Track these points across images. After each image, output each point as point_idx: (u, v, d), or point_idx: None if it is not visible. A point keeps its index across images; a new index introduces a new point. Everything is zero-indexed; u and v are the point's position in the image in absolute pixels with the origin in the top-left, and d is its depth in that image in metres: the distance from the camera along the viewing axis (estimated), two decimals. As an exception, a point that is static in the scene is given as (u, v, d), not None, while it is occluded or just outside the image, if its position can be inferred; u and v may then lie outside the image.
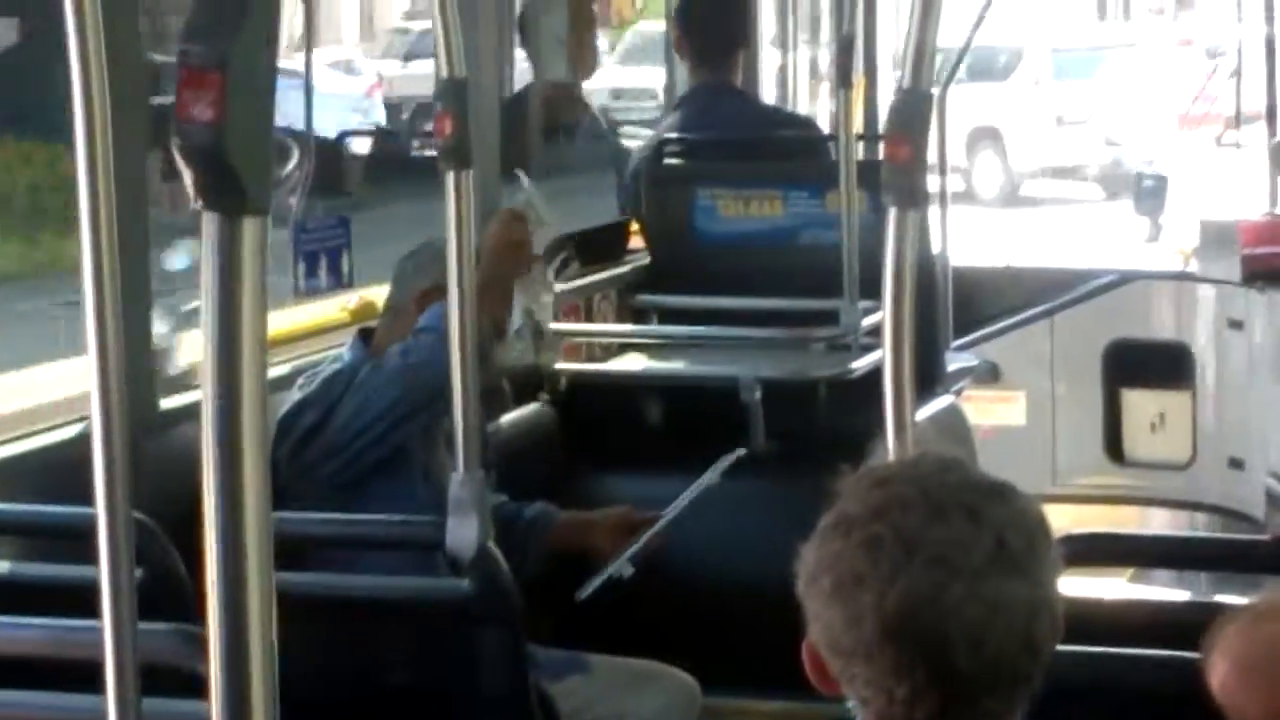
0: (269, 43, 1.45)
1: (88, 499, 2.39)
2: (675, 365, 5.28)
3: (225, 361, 1.45)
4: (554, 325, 5.14)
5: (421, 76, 15.95)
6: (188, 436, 3.83)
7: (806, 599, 1.99)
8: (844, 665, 1.95)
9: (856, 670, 1.94)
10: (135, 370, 3.70)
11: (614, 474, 4.83)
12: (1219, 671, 2.32)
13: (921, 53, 2.71)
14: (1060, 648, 2.03)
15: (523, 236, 4.14)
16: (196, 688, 2.53)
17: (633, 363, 5.45)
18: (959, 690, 1.92)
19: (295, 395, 4.00)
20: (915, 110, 2.71)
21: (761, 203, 5.98)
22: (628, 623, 4.33)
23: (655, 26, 15.98)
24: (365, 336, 4.14)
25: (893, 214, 2.75)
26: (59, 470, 3.61)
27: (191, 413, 3.90)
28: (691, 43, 6.33)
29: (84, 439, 2.61)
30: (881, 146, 2.94)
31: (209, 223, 1.46)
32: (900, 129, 2.72)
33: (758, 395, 5.12)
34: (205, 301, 1.46)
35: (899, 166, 2.72)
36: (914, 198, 2.75)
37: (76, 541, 2.76)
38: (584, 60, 6.36)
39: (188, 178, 1.45)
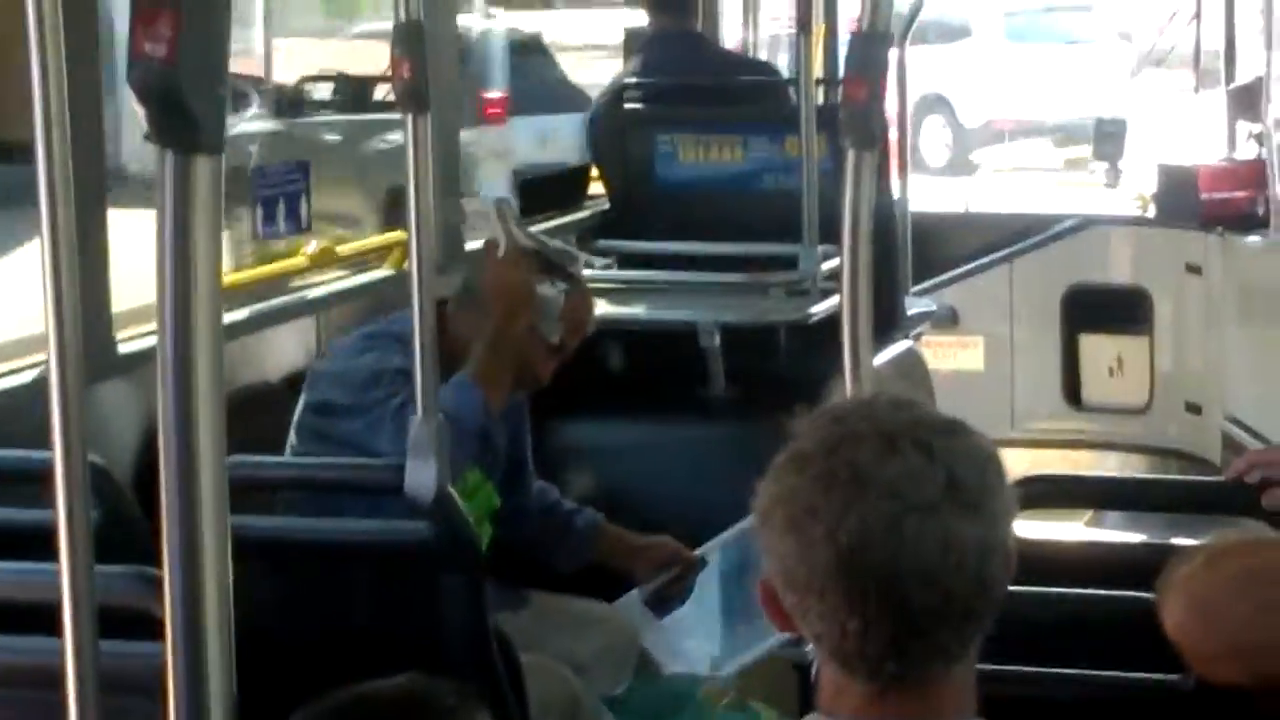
0: (223, -21, 1.45)
1: (44, 442, 2.39)
2: (635, 310, 5.28)
3: (180, 300, 1.45)
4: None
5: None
6: (146, 380, 3.82)
7: (761, 535, 1.99)
8: (798, 600, 1.96)
9: (810, 604, 1.94)
10: (93, 312, 3.69)
11: (574, 419, 4.83)
12: (1173, 611, 2.34)
13: None
14: (1018, 588, 2.04)
15: (520, 280, 3.99)
16: (154, 630, 2.55)
17: (592, 307, 5.45)
18: (911, 624, 1.92)
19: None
20: (873, 52, 2.72)
21: (721, 148, 5.98)
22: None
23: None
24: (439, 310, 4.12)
25: (850, 155, 2.76)
26: (14, 413, 3.60)
27: (150, 356, 3.89)
28: None
29: (40, 382, 2.61)
30: (840, 89, 2.95)
31: (163, 160, 1.45)
32: (858, 70, 2.73)
33: (717, 340, 5.13)
34: (158, 240, 1.46)
35: (856, 107, 2.72)
36: (871, 139, 2.76)
37: (33, 485, 2.76)
38: None
39: (142, 114, 1.44)
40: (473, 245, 4.59)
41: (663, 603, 4.39)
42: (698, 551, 4.40)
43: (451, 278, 4.16)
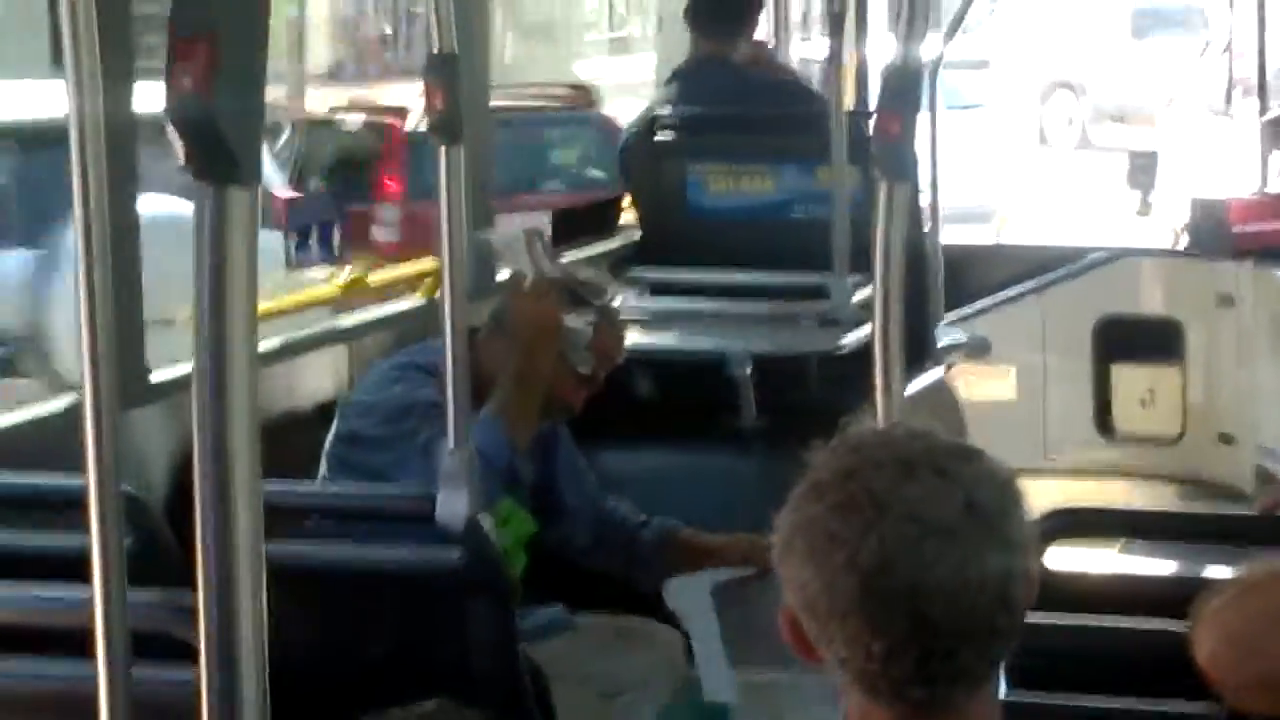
0: (261, 12, 1.45)
1: (78, 469, 2.41)
2: (665, 339, 5.28)
3: (216, 331, 1.46)
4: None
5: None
6: (178, 409, 3.84)
7: (782, 566, 2.00)
8: (821, 628, 1.96)
9: (833, 631, 1.95)
10: (125, 343, 3.71)
11: (604, 447, 4.83)
12: (1205, 642, 2.34)
13: (913, 28, 2.71)
14: (1049, 618, 2.05)
15: (546, 313, 3.96)
16: (186, 655, 2.56)
17: (623, 337, 5.45)
18: (936, 644, 1.93)
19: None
20: (906, 85, 2.72)
21: (753, 178, 5.99)
22: (616, 582, 4.36)
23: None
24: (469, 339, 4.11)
25: (883, 188, 2.76)
26: (49, 441, 3.61)
27: (181, 385, 3.91)
28: (701, 15, 6.31)
29: (74, 410, 2.63)
30: (872, 121, 2.95)
31: (199, 193, 1.46)
32: (891, 104, 2.74)
33: (748, 370, 5.13)
34: (196, 271, 1.47)
35: (889, 141, 2.73)
36: (904, 172, 2.77)
37: (67, 512, 2.78)
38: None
39: (178, 147, 1.45)
40: (503, 276, 4.58)
41: (732, 597, 4.35)
42: None
43: (482, 306, 4.18)
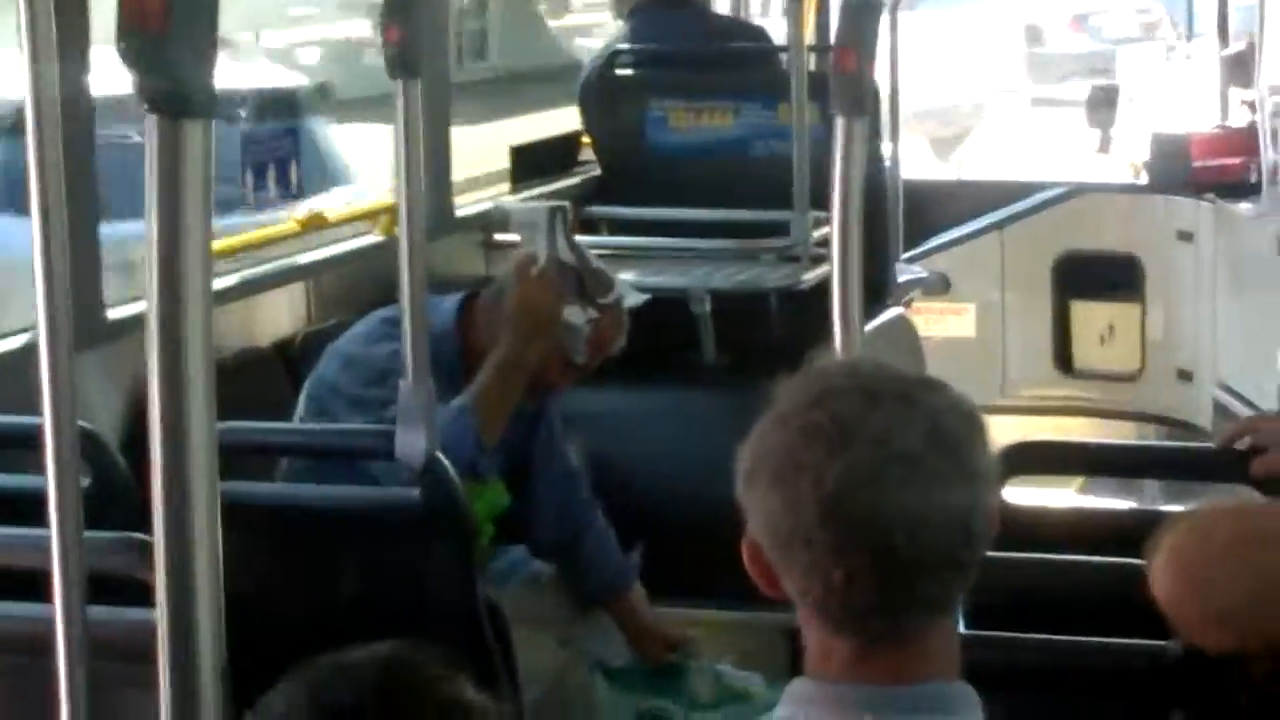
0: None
1: (34, 408, 2.39)
2: (626, 277, 5.27)
3: (170, 265, 1.45)
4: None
5: None
6: (135, 348, 3.81)
7: (746, 495, 1.99)
8: (782, 554, 1.96)
9: (795, 557, 1.94)
10: (82, 280, 3.69)
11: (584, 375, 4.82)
12: (1162, 578, 2.34)
13: None
14: (1007, 554, 2.05)
15: (547, 305, 3.92)
16: (143, 596, 2.55)
17: (583, 274, 5.44)
18: (897, 572, 1.93)
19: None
20: (863, 21, 2.72)
21: (713, 114, 5.96)
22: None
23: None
24: (468, 300, 4.06)
25: (840, 123, 2.76)
26: (5, 380, 3.60)
27: (140, 323, 3.89)
28: None
29: (29, 349, 2.61)
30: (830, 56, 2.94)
31: (153, 126, 1.45)
32: (848, 39, 2.73)
33: (708, 307, 5.13)
34: (149, 205, 1.45)
35: (846, 76, 2.73)
36: (861, 107, 2.76)
37: (24, 450, 2.76)
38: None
39: (131, 80, 1.44)
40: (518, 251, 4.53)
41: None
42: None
43: (438, 244, 4.15)
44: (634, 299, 4.12)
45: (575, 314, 3.96)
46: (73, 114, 2.90)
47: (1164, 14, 20.92)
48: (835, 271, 2.84)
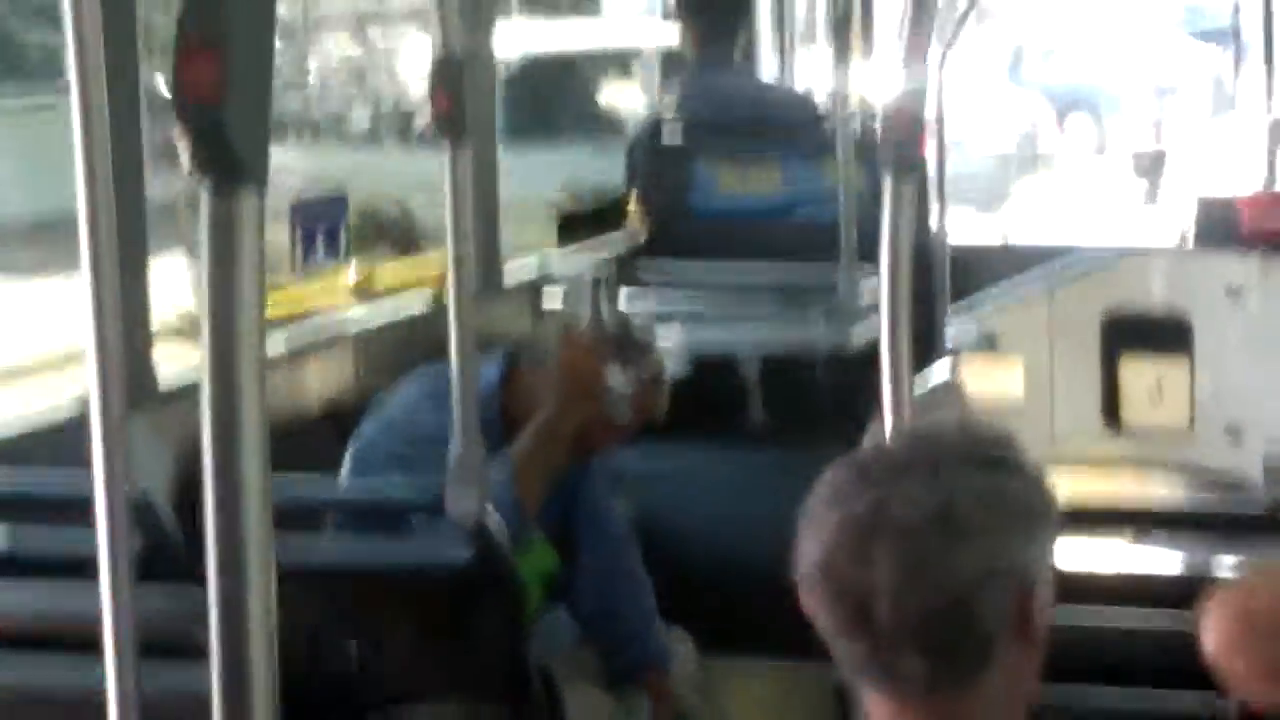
0: (268, 15, 1.46)
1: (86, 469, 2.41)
2: (673, 337, 5.28)
3: (223, 335, 1.46)
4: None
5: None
6: (186, 408, 3.84)
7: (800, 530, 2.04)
8: (805, 594, 2.00)
9: (810, 601, 1.98)
10: (132, 345, 3.72)
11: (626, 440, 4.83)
12: (1214, 633, 2.34)
13: (919, 24, 2.72)
14: (1055, 609, 2.04)
15: (589, 372, 3.92)
16: (194, 653, 2.56)
17: (631, 335, 5.44)
18: (882, 640, 1.94)
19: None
20: (913, 84, 2.73)
21: (758, 176, 5.98)
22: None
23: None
24: (511, 364, 4.06)
25: (889, 184, 2.77)
26: (57, 441, 3.62)
27: (190, 386, 3.91)
28: (693, 19, 6.32)
29: (83, 416, 2.63)
30: (879, 117, 2.96)
31: (206, 196, 1.47)
32: (897, 102, 2.74)
33: (756, 367, 5.14)
34: (202, 275, 1.47)
35: (896, 138, 2.74)
36: (911, 169, 2.77)
37: (78, 512, 2.78)
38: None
39: (183, 151, 1.46)
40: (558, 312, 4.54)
41: None
42: None
43: (487, 306, 4.16)
44: (676, 367, 4.13)
45: (618, 378, 3.97)
46: (124, 179, 2.93)
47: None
48: (885, 330, 2.84)
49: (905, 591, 1.92)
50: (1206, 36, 21.07)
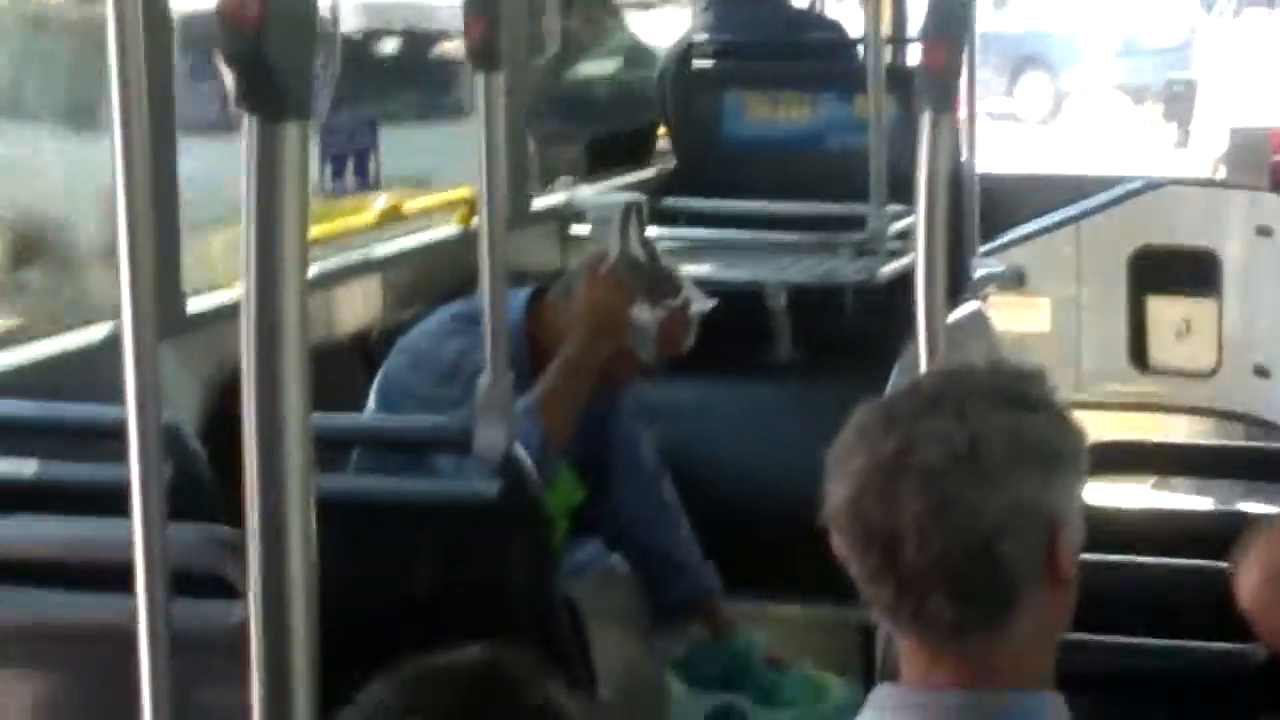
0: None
1: (116, 399, 2.40)
2: (701, 270, 5.26)
3: (266, 265, 1.45)
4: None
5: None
6: (213, 339, 3.83)
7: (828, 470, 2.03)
8: (835, 535, 1.99)
9: (840, 542, 1.98)
10: (163, 273, 3.70)
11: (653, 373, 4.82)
12: (1246, 584, 2.33)
13: None
14: (1084, 555, 2.03)
15: (616, 306, 3.91)
16: (224, 590, 2.55)
17: (659, 266, 5.42)
18: (908, 580, 1.93)
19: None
20: (953, 14, 2.70)
21: (789, 106, 5.95)
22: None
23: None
24: (537, 295, 4.04)
25: (927, 119, 2.74)
26: (88, 371, 3.61)
27: (218, 315, 3.90)
28: None
29: (113, 340, 2.62)
30: (917, 50, 2.92)
31: (250, 126, 1.45)
32: (937, 33, 2.71)
33: (784, 300, 5.12)
34: (245, 205, 1.46)
35: (935, 71, 2.71)
36: (948, 102, 2.75)
37: (106, 442, 2.77)
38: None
39: (228, 81, 1.44)
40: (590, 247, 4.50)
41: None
42: None
43: (517, 235, 4.14)
44: (701, 304, 4.11)
45: (643, 313, 3.96)
46: (156, 108, 2.91)
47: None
48: (920, 266, 2.82)
49: (931, 532, 1.92)
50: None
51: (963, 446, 1.93)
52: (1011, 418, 1.97)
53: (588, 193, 5.65)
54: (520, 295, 4.04)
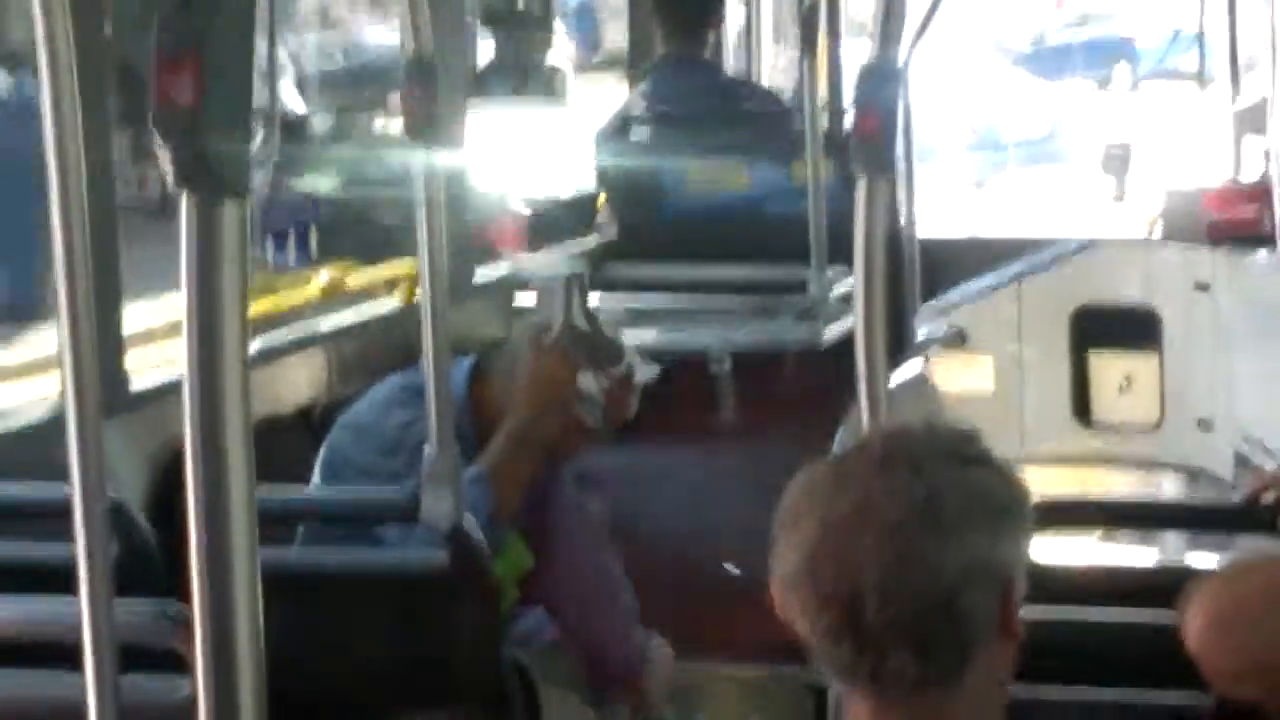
0: (246, 23, 1.45)
1: (60, 478, 2.40)
2: (645, 336, 5.28)
3: (207, 345, 1.45)
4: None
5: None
6: (158, 416, 3.83)
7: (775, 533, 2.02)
8: (785, 599, 1.98)
9: (792, 603, 1.97)
10: (105, 352, 3.70)
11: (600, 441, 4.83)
12: (1195, 628, 2.34)
13: (890, 24, 2.72)
14: (1031, 610, 2.04)
15: (560, 377, 3.89)
16: (173, 664, 2.55)
17: (602, 334, 5.44)
18: (869, 636, 1.93)
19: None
20: (884, 82, 2.72)
21: (727, 174, 5.99)
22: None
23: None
24: (479, 365, 4.03)
25: (862, 184, 2.76)
26: (30, 449, 3.60)
27: (162, 392, 3.90)
28: (664, 13, 6.31)
29: (56, 420, 2.62)
30: (849, 118, 2.95)
31: (188, 206, 1.46)
32: (869, 100, 2.74)
33: (728, 365, 5.14)
34: (185, 285, 1.46)
35: (868, 138, 2.73)
36: (883, 168, 2.77)
37: (51, 521, 2.77)
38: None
39: (165, 162, 1.45)
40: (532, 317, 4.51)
41: None
42: None
43: (460, 308, 4.14)
44: (646, 372, 4.11)
45: (589, 383, 3.96)
46: (95, 184, 2.92)
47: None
48: (859, 328, 2.84)
49: (894, 587, 1.92)
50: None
51: (920, 501, 1.94)
52: (964, 474, 1.99)
53: (530, 263, 5.66)
54: (463, 365, 4.04)
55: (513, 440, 3.82)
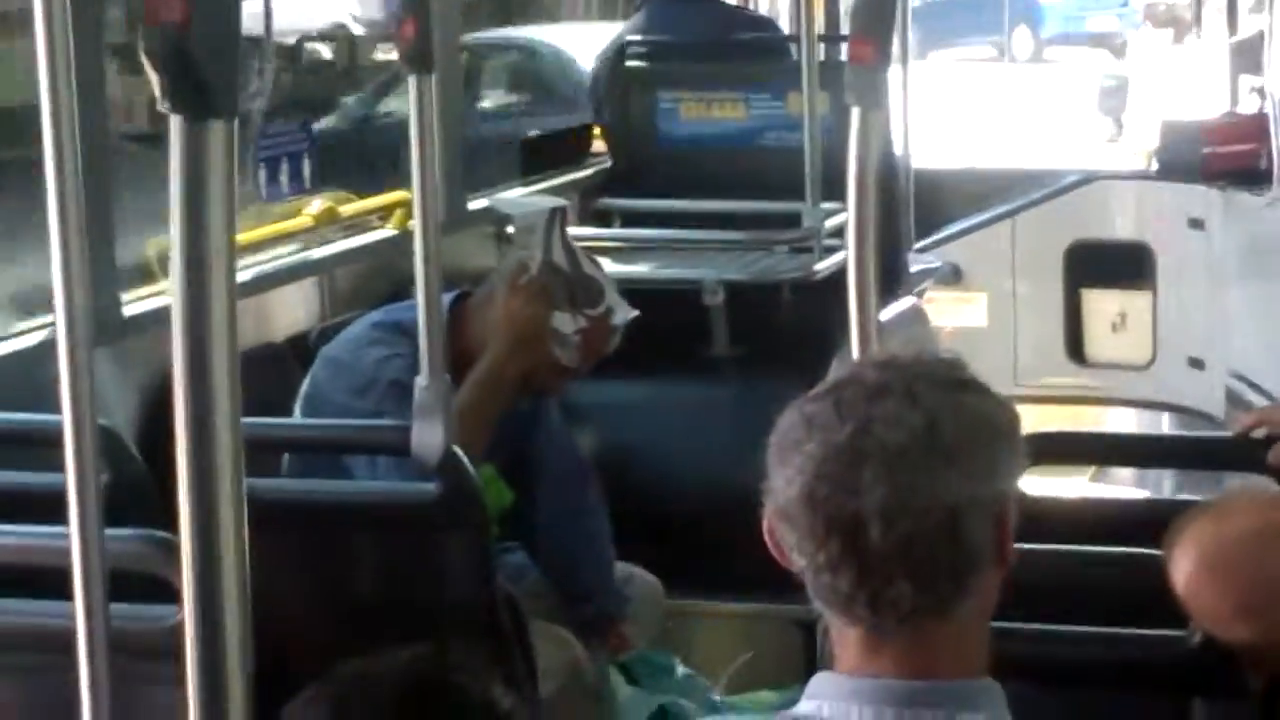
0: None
1: (52, 406, 2.40)
2: (638, 269, 5.28)
3: (194, 267, 1.45)
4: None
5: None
6: (150, 344, 3.83)
7: (769, 465, 2.01)
8: (783, 531, 1.98)
9: (789, 535, 1.96)
10: (98, 277, 3.69)
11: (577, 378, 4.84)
12: (1181, 568, 2.35)
13: None
14: (1021, 544, 2.04)
15: (536, 317, 3.89)
16: (163, 593, 2.56)
17: (595, 266, 5.44)
18: (874, 564, 1.92)
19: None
20: (879, 11, 2.71)
21: (724, 105, 5.97)
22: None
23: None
24: (461, 299, 4.01)
25: (856, 115, 2.75)
26: (21, 376, 3.60)
27: (155, 319, 3.89)
28: None
29: (47, 346, 2.62)
30: (844, 47, 2.94)
31: (175, 126, 1.45)
32: (864, 30, 2.72)
33: (721, 298, 5.13)
34: (173, 207, 1.46)
35: (862, 67, 2.72)
36: (877, 98, 2.76)
37: (42, 448, 2.77)
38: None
39: (153, 80, 1.44)
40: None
41: None
42: None
43: (453, 237, 4.14)
44: (624, 313, 4.09)
45: (565, 322, 3.94)
46: (88, 111, 2.91)
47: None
48: (851, 262, 2.83)
49: (897, 514, 1.91)
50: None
51: (920, 428, 1.93)
52: (960, 400, 1.98)
53: (516, 195, 5.64)
54: (445, 298, 4.04)
55: (481, 384, 3.81)
